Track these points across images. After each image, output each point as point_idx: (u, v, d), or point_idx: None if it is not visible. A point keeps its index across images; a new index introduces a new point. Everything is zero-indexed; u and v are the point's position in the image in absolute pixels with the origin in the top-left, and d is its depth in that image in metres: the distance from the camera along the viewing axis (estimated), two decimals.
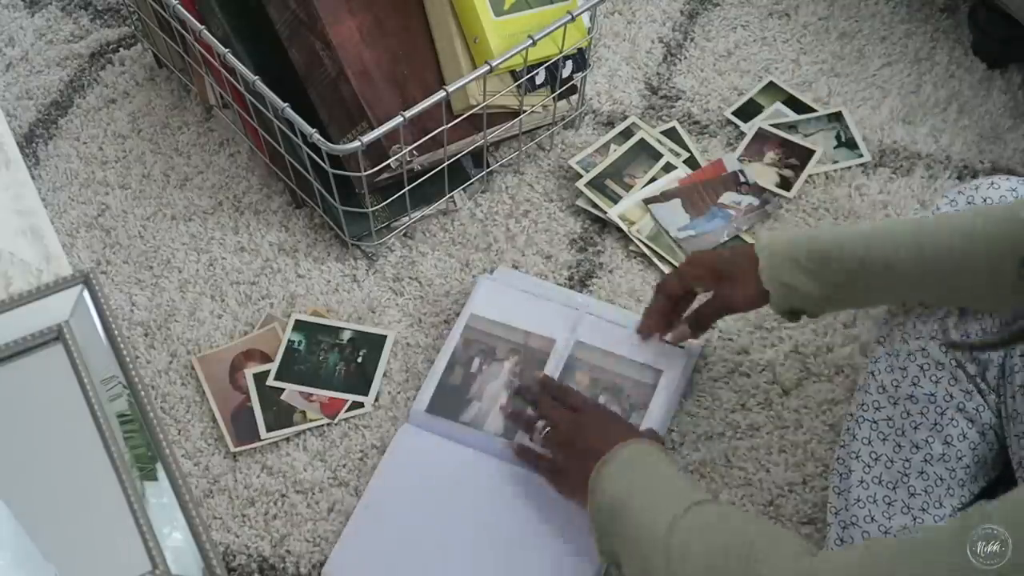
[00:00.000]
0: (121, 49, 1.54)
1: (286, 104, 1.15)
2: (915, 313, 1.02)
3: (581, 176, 1.35)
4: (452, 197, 1.34)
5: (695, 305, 1.16)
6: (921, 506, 0.97)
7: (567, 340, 1.19)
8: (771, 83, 1.46)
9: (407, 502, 1.11)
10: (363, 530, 1.10)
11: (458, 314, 1.23)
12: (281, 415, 1.18)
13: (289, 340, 1.23)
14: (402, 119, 1.14)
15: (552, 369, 1.18)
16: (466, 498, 1.11)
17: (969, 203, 1.05)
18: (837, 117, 1.42)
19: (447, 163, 1.28)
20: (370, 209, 1.26)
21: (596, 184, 1.35)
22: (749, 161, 1.38)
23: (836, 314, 1.23)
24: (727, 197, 1.33)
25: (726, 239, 1.30)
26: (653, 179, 1.35)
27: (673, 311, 1.16)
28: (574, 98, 1.40)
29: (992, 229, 0.93)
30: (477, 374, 1.18)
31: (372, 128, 1.17)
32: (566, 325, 1.20)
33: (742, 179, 1.34)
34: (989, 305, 0.98)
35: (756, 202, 1.32)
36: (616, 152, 1.37)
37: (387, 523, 1.10)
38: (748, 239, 1.29)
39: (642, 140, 1.38)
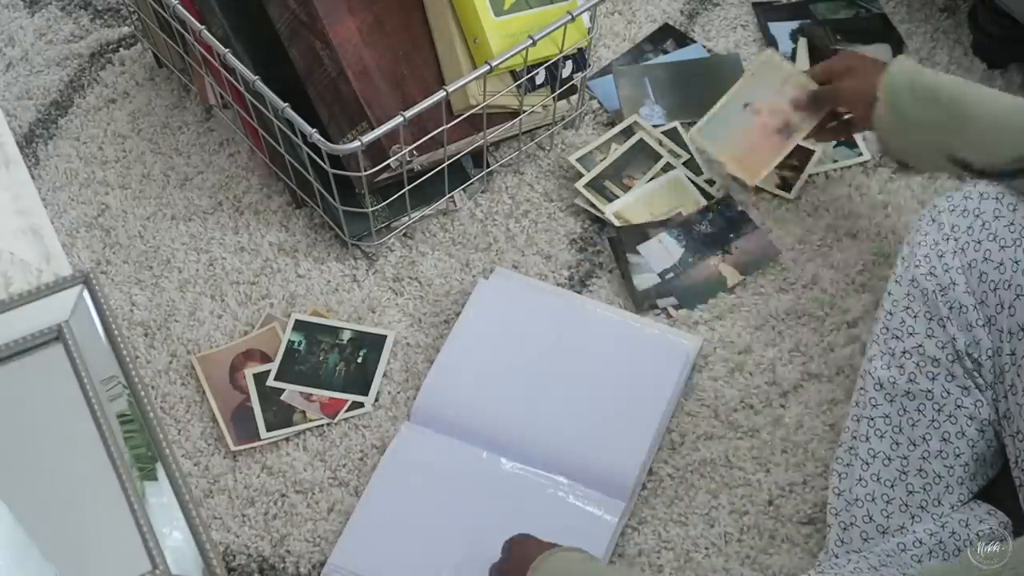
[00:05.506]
0: (121, 49, 1.53)
1: (286, 104, 1.15)
2: (911, 311, 1.02)
3: (582, 174, 1.35)
4: (452, 197, 1.34)
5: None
6: (920, 504, 0.97)
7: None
8: None
9: (408, 500, 1.11)
10: (364, 529, 1.10)
11: (458, 314, 1.24)
12: (281, 415, 1.18)
13: (289, 340, 1.23)
14: (402, 119, 1.14)
15: None
16: (466, 495, 1.11)
17: (966, 198, 1.05)
18: None
19: (447, 163, 1.28)
20: (370, 209, 1.26)
21: (595, 185, 1.34)
22: None
23: (839, 311, 1.23)
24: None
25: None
26: (652, 180, 1.35)
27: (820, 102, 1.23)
28: (574, 98, 1.40)
29: None
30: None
31: (372, 128, 1.17)
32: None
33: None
34: None
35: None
36: (617, 151, 1.37)
37: (388, 522, 1.10)
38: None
39: (641, 141, 1.38)
